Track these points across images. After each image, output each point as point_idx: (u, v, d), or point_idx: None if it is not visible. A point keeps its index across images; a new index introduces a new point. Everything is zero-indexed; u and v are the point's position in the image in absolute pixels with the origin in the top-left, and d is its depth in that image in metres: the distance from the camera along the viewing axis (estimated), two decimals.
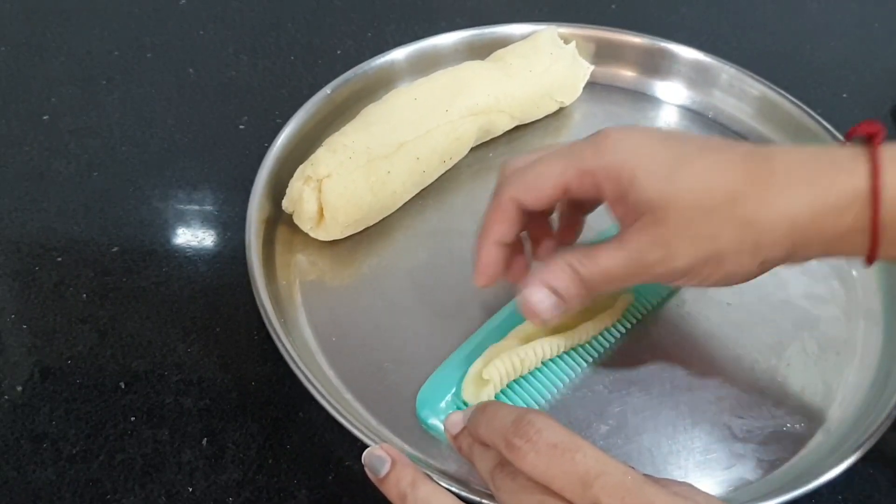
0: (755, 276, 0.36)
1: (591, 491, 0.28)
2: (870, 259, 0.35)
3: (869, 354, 0.45)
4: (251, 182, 0.48)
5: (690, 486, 0.32)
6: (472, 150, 0.54)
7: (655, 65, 0.59)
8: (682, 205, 0.34)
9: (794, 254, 0.35)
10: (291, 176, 0.47)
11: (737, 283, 0.36)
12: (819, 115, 0.55)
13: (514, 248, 0.40)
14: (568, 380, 0.42)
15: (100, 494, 0.38)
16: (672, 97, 0.59)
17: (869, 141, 0.34)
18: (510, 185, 0.38)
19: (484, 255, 0.39)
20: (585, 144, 0.36)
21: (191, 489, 0.39)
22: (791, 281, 0.48)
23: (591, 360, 0.43)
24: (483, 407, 0.34)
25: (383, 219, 0.50)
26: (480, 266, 0.39)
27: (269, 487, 0.39)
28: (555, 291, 0.37)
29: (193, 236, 0.50)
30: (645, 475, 0.30)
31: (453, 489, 0.36)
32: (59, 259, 0.48)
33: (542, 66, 0.54)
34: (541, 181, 0.37)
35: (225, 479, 0.39)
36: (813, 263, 0.46)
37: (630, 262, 0.35)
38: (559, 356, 0.43)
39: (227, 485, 0.39)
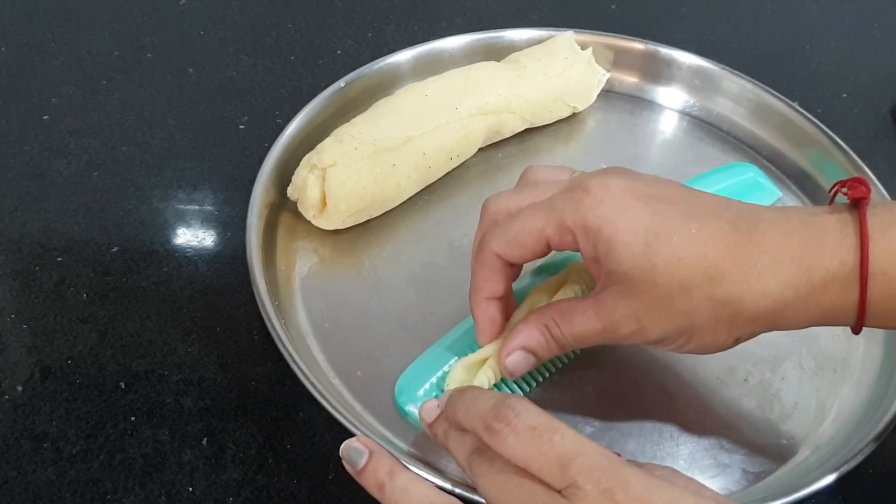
0: (730, 348, 0.36)
1: (569, 472, 0.29)
2: (856, 330, 0.35)
3: (867, 374, 0.45)
4: (251, 182, 0.48)
5: (673, 469, 0.32)
6: (481, 149, 0.54)
7: (671, 74, 0.59)
8: (660, 282, 0.33)
9: (775, 326, 0.34)
10: (298, 164, 0.48)
11: (711, 353, 0.36)
12: (819, 115, 0.55)
13: (510, 299, 0.40)
14: (548, 374, 0.42)
15: (100, 494, 0.38)
16: (684, 106, 0.59)
17: (856, 206, 0.33)
18: (493, 241, 0.37)
19: (480, 314, 0.38)
20: (566, 198, 0.35)
21: (191, 489, 0.39)
22: None
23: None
24: (461, 392, 0.34)
25: (387, 212, 0.50)
26: (480, 326, 0.39)
27: (269, 487, 0.39)
28: (531, 352, 0.37)
29: (193, 236, 0.50)
30: (626, 459, 0.30)
31: (438, 481, 0.36)
32: (60, 259, 0.48)
33: (556, 71, 0.55)
34: (522, 237, 0.36)
35: (225, 478, 0.39)
36: None
37: (604, 331, 0.35)
38: None
39: (227, 484, 0.39)
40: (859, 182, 0.35)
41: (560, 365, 0.43)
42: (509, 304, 0.40)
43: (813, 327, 0.35)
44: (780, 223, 0.34)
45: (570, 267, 0.42)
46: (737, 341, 0.35)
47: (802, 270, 0.33)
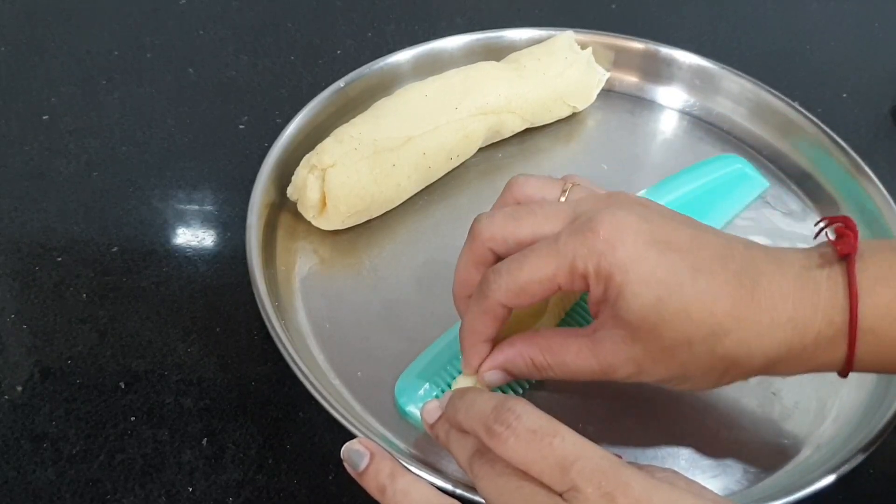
0: (719, 387, 0.37)
1: (569, 475, 0.29)
2: (843, 375, 0.36)
3: (867, 374, 0.44)
4: (251, 182, 0.48)
5: (674, 471, 0.32)
6: (481, 149, 0.54)
7: (671, 74, 0.59)
8: (665, 335, 0.33)
9: (767, 373, 0.36)
10: (298, 164, 0.48)
11: (698, 391, 0.38)
12: (819, 115, 0.55)
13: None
14: None
15: (100, 494, 0.38)
16: (684, 106, 0.59)
17: (845, 258, 0.34)
18: (499, 293, 0.35)
19: (474, 355, 0.38)
20: (577, 242, 0.34)
21: (191, 489, 0.39)
22: None
23: None
24: (461, 394, 0.34)
25: (387, 212, 0.50)
26: (469, 362, 0.38)
27: (269, 487, 0.39)
28: (511, 373, 0.37)
29: (193, 236, 0.50)
30: (627, 461, 0.30)
31: (438, 482, 0.36)
32: (59, 259, 0.48)
33: (556, 70, 0.54)
34: (532, 288, 0.34)
35: (225, 479, 0.39)
36: None
37: (600, 372, 0.35)
38: None
39: (227, 485, 0.39)
40: (846, 228, 0.35)
41: None
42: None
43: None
44: (778, 280, 0.34)
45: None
46: (728, 383, 0.36)
47: (797, 332, 0.34)
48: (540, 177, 0.40)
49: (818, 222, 0.38)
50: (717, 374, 0.35)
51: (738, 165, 0.54)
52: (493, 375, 0.37)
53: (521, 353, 0.37)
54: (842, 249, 0.34)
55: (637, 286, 0.33)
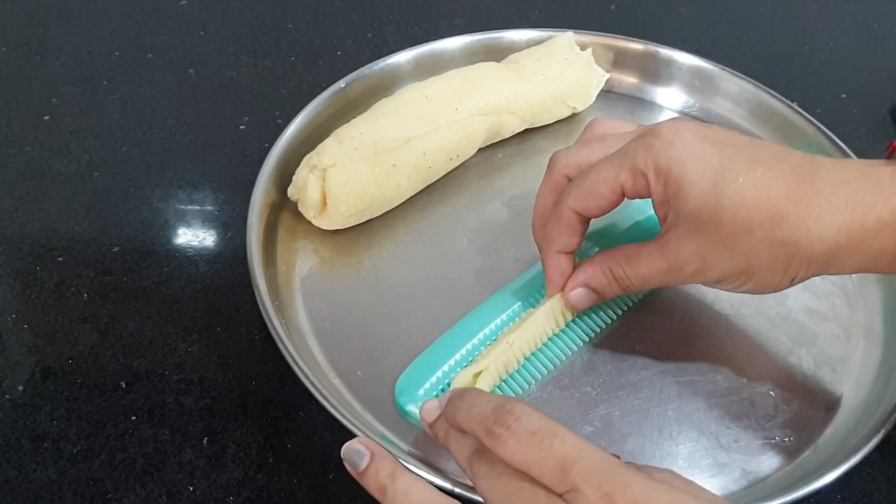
0: (784, 289, 0.37)
1: (569, 476, 0.29)
2: None
3: (866, 374, 0.45)
4: (252, 182, 0.48)
5: (672, 472, 0.32)
6: (481, 150, 0.54)
7: (670, 75, 0.59)
8: (725, 221, 0.35)
9: (827, 270, 0.36)
10: (299, 164, 0.48)
11: (765, 293, 0.38)
12: (818, 115, 0.55)
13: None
14: (552, 367, 0.42)
15: (100, 494, 0.39)
16: (683, 107, 0.59)
17: None
18: (569, 197, 0.39)
19: (553, 266, 0.41)
20: (638, 144, 0.37)
21: (191, 488, 0.39)
22: (791, 296, 0.47)
23: (580, 343, 0.43)
24: (461, 394, 0.34)
25: (387, 212, 0.50)
26: (551, 277, 0.41)
27: (269, 487, 0.39)
28: (594, 290, 0.40)
29: (194, 236, 0.50)
30: (625, 462, 0.30)
31: (438, 482, 0.36)
32: (60, 259, 0.48)
33: (556, 71, 0.55)
34: (598, 188, 0.38)
35: (225, 478, 0.39)
36: (815, 280, 0.46)
37: (668, 271, 0.37)
38: (548, 343, 0.43)
39: (227, 484, 0.39)
40: None
41: (558, 364, 0.43)
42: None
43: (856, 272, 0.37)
44: (838, 171, 0.35)
45: (543, 303, 0.43)
46: (792, 282, 0.37)
47: (857, 215, 0.34)
48: (615, 119, 0.43)
49: (888, 146, 0.39)
50: (782, 266, 0.36)
51: None
52: (578, 294, 0.40)
53: (600, 267, 0.40)
54: None
55: (694, 175, 0.35)
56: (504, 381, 0.41)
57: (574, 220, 0.39)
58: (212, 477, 0.39)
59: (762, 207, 0.35)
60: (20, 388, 0.42)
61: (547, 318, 0.42)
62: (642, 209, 0.47)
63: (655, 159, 0.36)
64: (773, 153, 0.36)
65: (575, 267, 0.42)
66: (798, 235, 0.35)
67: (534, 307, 0.43)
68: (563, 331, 0.43)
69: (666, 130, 0.37)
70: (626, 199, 0.39)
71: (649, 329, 0.45)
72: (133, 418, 0.41)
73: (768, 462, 0.41)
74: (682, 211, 0.36)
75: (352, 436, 0.37)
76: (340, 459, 0.34)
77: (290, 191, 0.48)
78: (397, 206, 0.50)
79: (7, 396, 0.42)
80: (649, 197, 0.38)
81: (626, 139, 0.39)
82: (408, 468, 0.34)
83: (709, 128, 0.38)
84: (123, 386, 0.42)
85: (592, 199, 0.38)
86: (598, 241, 0.46)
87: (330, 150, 0.47)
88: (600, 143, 0.40)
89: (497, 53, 0.57)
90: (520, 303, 0.44)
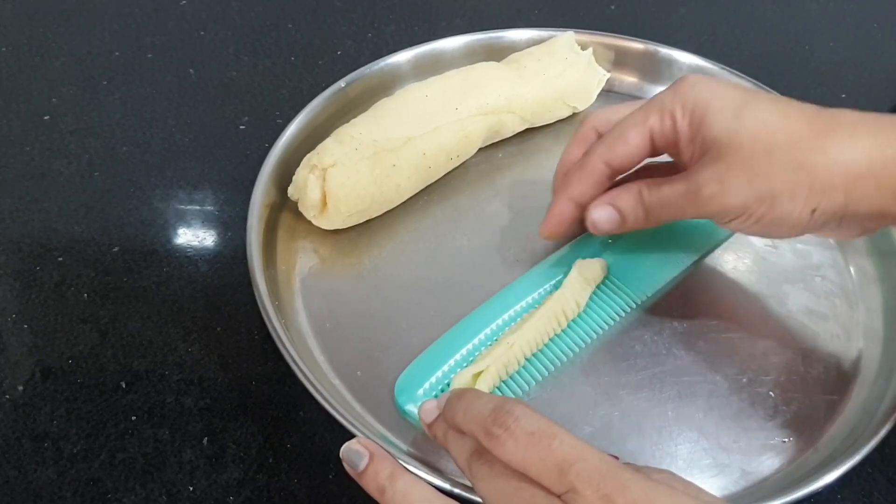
0: (806, 229, 0.37)
1: (568, 477, 0.29)
2: None
3: (866, 374, 0.44)
4: (252, 182, 0.48)
5: (671, 473, 0.32)
6: (481, 149, 0.54)
7: (670, 74, 0.59)
8: (744, 142, 0.36)
9: (848, 204, 0.36)
10: (299, 164, 0.48)
11: (787, 235, 0.38)
12: None
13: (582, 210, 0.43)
14: (553, 368, 0.42)
15: (101, 494, 0.39)
16: None
17: None
18: (600, 147, 0.40)
19: (557, 210, 0.42)
20: (665, 92, 0.39)
21: (191, 488, 0.39)
22: (791, 296, 0.47)
23: (581, 344, 0.43)
24: (459, 395, 0.34)
25: (387, 212, 0.50)
26: (550, 219, 0.42)
27: (269, 487, 0.39)
28: (619, 210, 0.40)
29: (194, 236, 0.50)
30: (624, 462, 0.30)
31: (437, 482, 0.36)
32: (60, 259, 0.48)
33: (556, 71, 0.55)
34: (626, 134, 0.39)
35: (225, 478, 0.39)
36: (816, 280, 0.46)
37: (687, 193, 0.38)
38: (549, 344, 0.43)
39: (227, 484, 0.39)
40: None
41: (559, 364, 0.43)
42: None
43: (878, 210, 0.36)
44: (857, 114, 0.36)
45: (566, 282, 0.43)
46: (812, 213, 0.36)
47: (877, 144, 0.35)
48: (616, 106, 0.44)
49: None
50: (803, 192, 0.36)
51: None
52: (601, 212, 0.41)
53: (627, 190, 0.40)
54: None
55: (718, 104, 0.37)
56: (504, 381, 0.41)
57: (599, 169, 0.40)
58: (212, 477, 0.39)
59: (782, 132, 0.36)
60: (20, 388, 0.42)
61: (548, 319, 0.42)
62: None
63: (683, 98, 0.38)
64: (793, 100, 0.38)
65: (575, 222, 0.42)
66: (817, 159, 0.35)
67: (535, 308, 0.43)
68: (563, 331, 0.43)
69: (692, 77, 0.39)
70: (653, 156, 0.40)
71: (649, 329, 0.45)
72: (133, 418, 0.41)
73: (768, 462, 0.41)
74: (706, 138, 0.37)
75: (351, 436, 0.37)
76: (340, 459, 0.34)
77: (290, 191, 0.49)
78: (397, 206, 0.50)
79: (7, 396, 0.42)
80: (677, 143, 0.39)
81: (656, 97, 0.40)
82: (407, 469, 0.34)
83: (730, 81, 0.41)
84: (123, 386, 0.42)
85: (620, 145, 0.39)
86: (614, 249, 0.46)
87: (330, 151, 0.47)
88: (631, 104, 0.42)
89: (497, 53, 0.57)
90: (521, 304, 0.44)
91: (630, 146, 0.40)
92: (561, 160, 0.44)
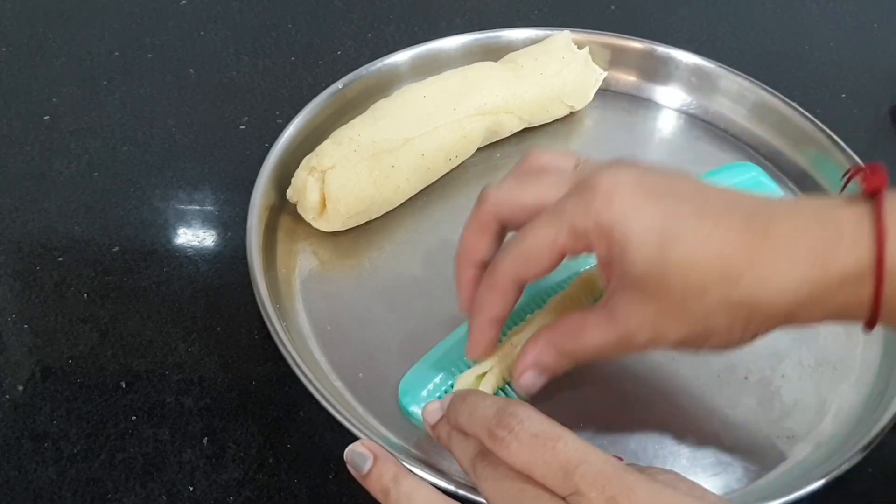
0: (747, 344, 0.35)
1: (573, 480, 0.29)
2: (869, 327, 0.34)
3: (866, 371, 0.44)
4: (252, 182, 0.48)
5: (676, 474, 0.32)
6: (480, 149, 0.54)
7: (668, 73, 0.59)
8: (675, 284, 0.32)
9: (790, 323, 0.34)
10: (298, 166, 0.48)
11: (727, 351, 0.35)
12: (818, 115, 0.55)
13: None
14: None
15: (100, 494, 0.39)
16: (682, 105, 0.59)
17: (872, 197, 0.32)
18: (506, 263, 0.35)
19: (480, 334, 0.38)
20: (575, 201, 0.33)
21: (191, 488, 0.39)
22: None
23: None
24: (463, 396, 0.34)
25: (387, 213, 0.50)
26: (476, 344, 0.38)
27: (269, 486, 0.39)
28: (543, 370, 0.37)
29: (194, 236, 0.50)
30: (628, 463, 0.30)
31: (441, 483, 0.36)
32: (60, 259, 0.48)
33: (553, 70, 0.55)
34: (537, 253, 0.34)
35: (225, 478, 0.39)
36: None
37: (619, 342, 0.34)
38: None
39: (227, 484, 0.39)
40: (876, 170, 0.33)
41: None
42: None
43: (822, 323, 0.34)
44: (794, 217, 0.32)
45: (573, 283, 0.42)
46: (753, 337, 0.34)
47: (818, 268, 0.31)
48: (554, 151, 0.39)
49: (844, 174, 0.35)
50: (741, 325, 0.33)
51: (753, 174, 0.53)
52: (527, 378, 0.37)
53: (547, 343, 0.36)
54: (870, 185, 0.32)
55: (638, 236, 0.32)
56: (508, 383, 0.41)
57: (509, 286, 0.36)
58: (212, 477, 0.39)
59: (714, 268, 0.31)
60: (20, 388, 0.42)
61: (552, 319, 0.42)
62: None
63: (595, 219, 0.32)
64: (723, 202, 0.33)
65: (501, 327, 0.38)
66: (756, 294, 0.32)
67: (539, 309, 0.43)
68: None
69: (604, 184, 0.33)
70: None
71: None
72: (133, 418, 0.41)
73: (769, 461, 0.41)
74: (629, 275, 0.32)
75: (354, 438, 0.37)
76: (341, 459, 0.34)
77: (289, 193, 0.48)
78: (397, 207, 0.50)
79: (7, 396, 0.42)
80: (592, 253, 0.35)
81: (561, 180, 0.35)
82: (411, 470, 0.34)
83: (650, 175, 0.34)
84: (123, 386, 0.42)
85: (532, 264, 0.35)
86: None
87: (329, 153, 0.47)
88: (534, 179, 0.36)
89: (494, 53, 0.57)
90: (524, 305, 0.44)
91: (542, 264, 0.35)
92: (461, 248, 0.39)
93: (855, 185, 0.34)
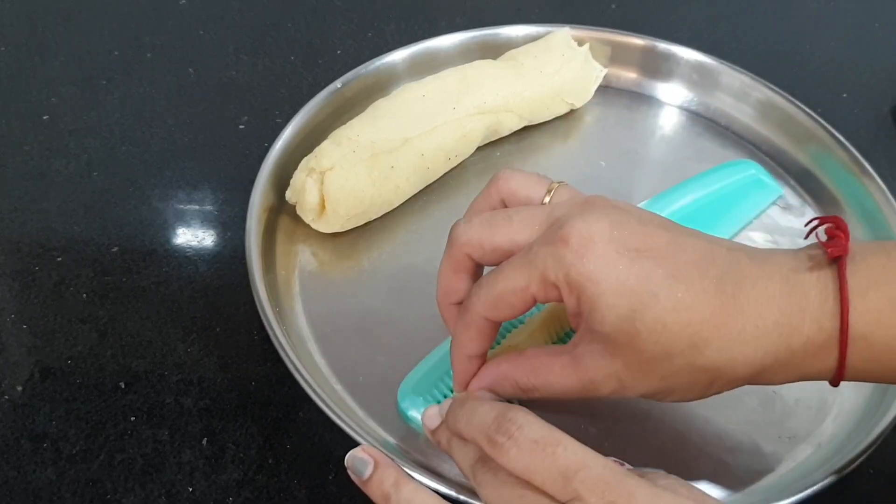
0: (707, 397, 0.35)
1: (572, 485, 0.29)
2: (834, 384, 0.35)
3: None
4: (251, 182, 0.48)
5: (676, 478, 0.32)
6: (479, 148, 0.53)
7: (670, 70, 0.59)
8: (644, 347, 0.32)
9: (754, 384, 0.34)
10: (297, 167, 0.48)
11: (687, 402, 0.36)
12: (819, 114, 0.55)
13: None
14: None
15: (100, 494, 0.38)
16: (683, 102, 0.59)
17: (835, 260, 0.33)
18: (478, 304, 0.35)
19: (462, 372, 0.37)
20: (547, 252, 0.33)
21: (191, 489, 0.39)
22: None
23: None
24: (462, 402, 0.34)
25: (386, 214, 0.50)
26: (460, 381, 0.37)
27: (269, 487, 0.39)
28: (497, 394, 0.37)
29: (193, 236, 0.50)
30: (629, 468, 0.30)
31: (441, 489, 0.36)
32: (59, 259, 0.48)
33: (553, 67, 0.54)
34: (508, 298, 0.34)
35: (225, 478, 0.39)
36: None
37: (583, 389, 0.34)
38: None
39: (227, 485, 0.39)
40: (837, 228, 0.34)
41: None
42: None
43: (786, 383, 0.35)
44: (763, 283, 0.33)
45: (549, 307, 0.42)
46: (714, 395, 0.35)
47: (784, 338, 0.32)
48: (526, 173, 0.39)
49: (809, 222, 0.36)
50: (702, 386, 0.34)
51: (752, 171, 0.53)
52: (479, 395, 0.37)
53: (505, 375, 0.36)
54: (832, 252, 0.33)
55: (610, 297, 0.32)
56: None
57: (483, 325, 0.35)
58: (211, 477, 0.39)
59: (683, 334, 0.32)
60: (19, 388, 0.42)
61: (552, 322, 0.42)
62: None
63: (567, 273, 0.32)
64: (695, 263, 0.33)
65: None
66: (721, 362, 0.32)
67: (538, 311, 0.43)
68: (567, 335, 0.43)
69: (575, 237, 0.32)
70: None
71: None
72: (132, 419, 0.41)
73: (769, 462, 0.41)
74: (598, 332, 0.32)
75: (353, 440, 0.37)
76: (340, 460, 0.34)
77: (289, 194, 0.48)
78: (396, 208, 0.50)
79: (6, 397, 0.42)
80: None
81: (534, 218, 0.35)
82: (412, 476, 0.34)
83: (625, 224, 0.33)
84: (123, 386, 0.42)
85: (504, 307, 0.34)
86: None
87: (327, 153, 0.47)
88: (504, 222, 0.36)
89: (493, 50, 0.57)
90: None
91: (514, 308, 0.34)
92: (439, 288, 0.38)
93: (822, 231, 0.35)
